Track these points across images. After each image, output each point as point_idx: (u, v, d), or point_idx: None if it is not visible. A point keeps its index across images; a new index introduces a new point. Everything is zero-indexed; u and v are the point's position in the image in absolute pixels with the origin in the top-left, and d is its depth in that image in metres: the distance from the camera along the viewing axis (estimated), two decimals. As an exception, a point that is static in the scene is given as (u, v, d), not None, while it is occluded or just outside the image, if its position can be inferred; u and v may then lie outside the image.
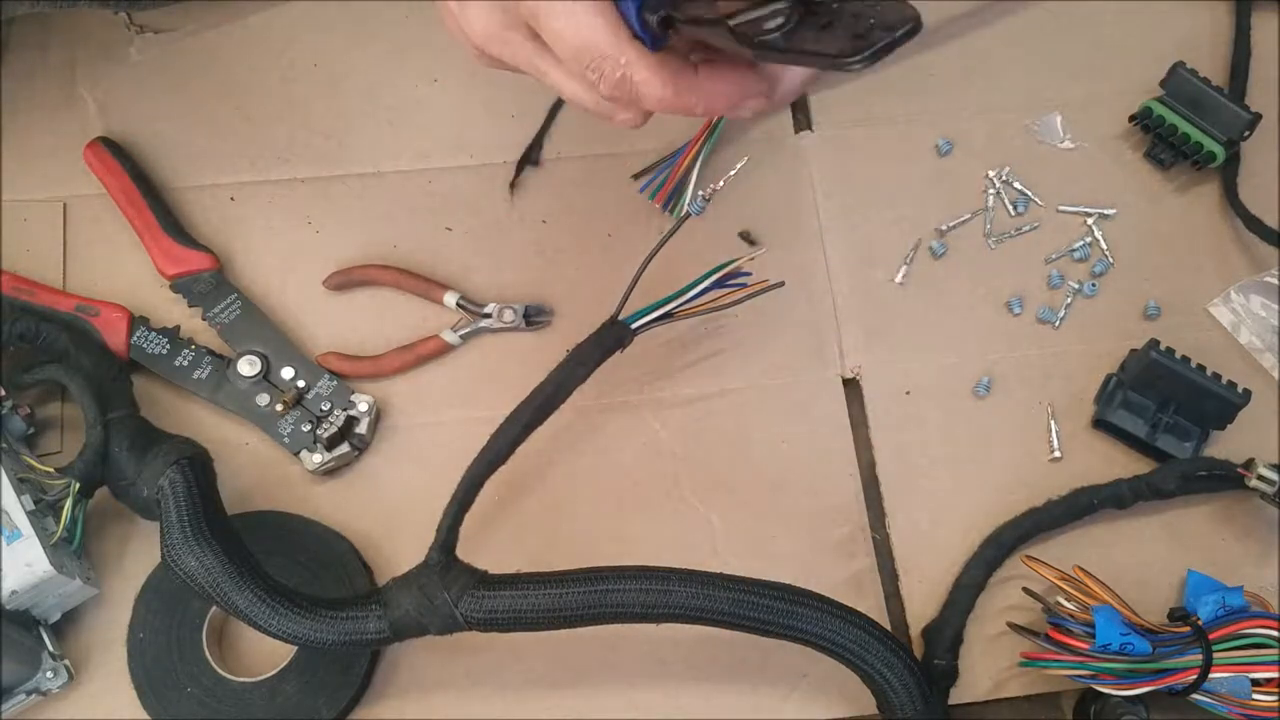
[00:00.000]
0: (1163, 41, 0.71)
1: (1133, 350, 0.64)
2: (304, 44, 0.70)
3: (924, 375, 0.64)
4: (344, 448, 0.60)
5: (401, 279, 0.64)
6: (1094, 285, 0.66)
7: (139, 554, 0.59)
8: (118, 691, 0.56)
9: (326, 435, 0.60)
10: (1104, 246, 0.67)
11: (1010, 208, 0.68)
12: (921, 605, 0.60)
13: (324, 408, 0.61)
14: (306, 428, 0.60)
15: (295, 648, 0.56)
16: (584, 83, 0.45)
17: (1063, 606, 0.55)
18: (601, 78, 0.44)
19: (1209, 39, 0.72)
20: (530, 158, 0.68)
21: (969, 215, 0.68)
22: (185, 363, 0.61)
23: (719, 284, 0.58)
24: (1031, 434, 0.63)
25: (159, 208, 0.64)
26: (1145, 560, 0.60)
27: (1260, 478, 0.58)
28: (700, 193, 0.65)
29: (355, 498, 0.61)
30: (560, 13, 0.43)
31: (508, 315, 0.64)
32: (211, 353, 0.62)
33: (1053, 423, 0.63)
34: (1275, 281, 0.66)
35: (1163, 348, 0.61)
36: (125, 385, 0.58)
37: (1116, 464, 0.62)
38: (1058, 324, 0.66)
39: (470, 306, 0.64)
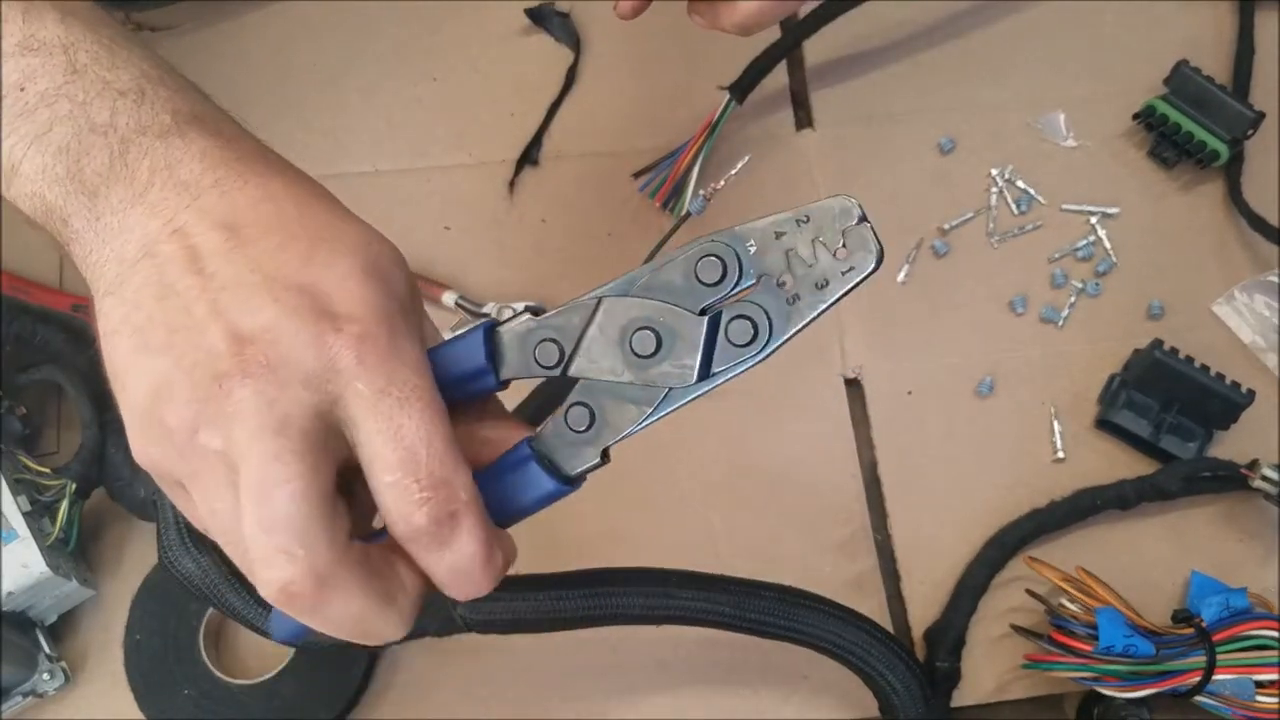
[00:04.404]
0: (1166, 40, 0.71)
1: (1136, 350, 0.63)
2: (301, 43, 0.70)
3: (926, 375, 0.64)
4: (342, 448, 0.60)
5: (400, 278, 0.64)
6: (1097, 284, 0.66)
7: (136, 555, 0.58)
8: (115, 693, 0.56)
9: (325, 435, 0.59)
10: (1107, 246, 0.67)
11: (1013, 206, 0.68)
12: (923, 607, 0.60)
13: (322, 408, 0.60)
14: (305, 428, 0.60)
15: (292, 649, 0.56)
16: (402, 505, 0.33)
17: (1066, 608, 0.54)
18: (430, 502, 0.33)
19: (1212, 37, 0.72)
20: (529, 157, 0.68)
21: (971, 214, 0.67)
22: (183, 362, 0.61)
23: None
24: (1034, 434, 0.63)
25: (156, 206, 0.64)
26: (1148, 561, 0.60)
27: (1264, 478, 0.58)
28: (701, 192, 0.65)
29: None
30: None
31: (507, 315, 0.63)
32: (209, 352, 0.61)
33: (1056, 423, 0.63)
34: (1278, 281, 0.65)
35: (1166, 348, 0.61)
36: (122, 385, 0.58)
37: (1120, 464, 0.62)
38: (1061, 323, 0.65)
39: (469, 306, 0.63)
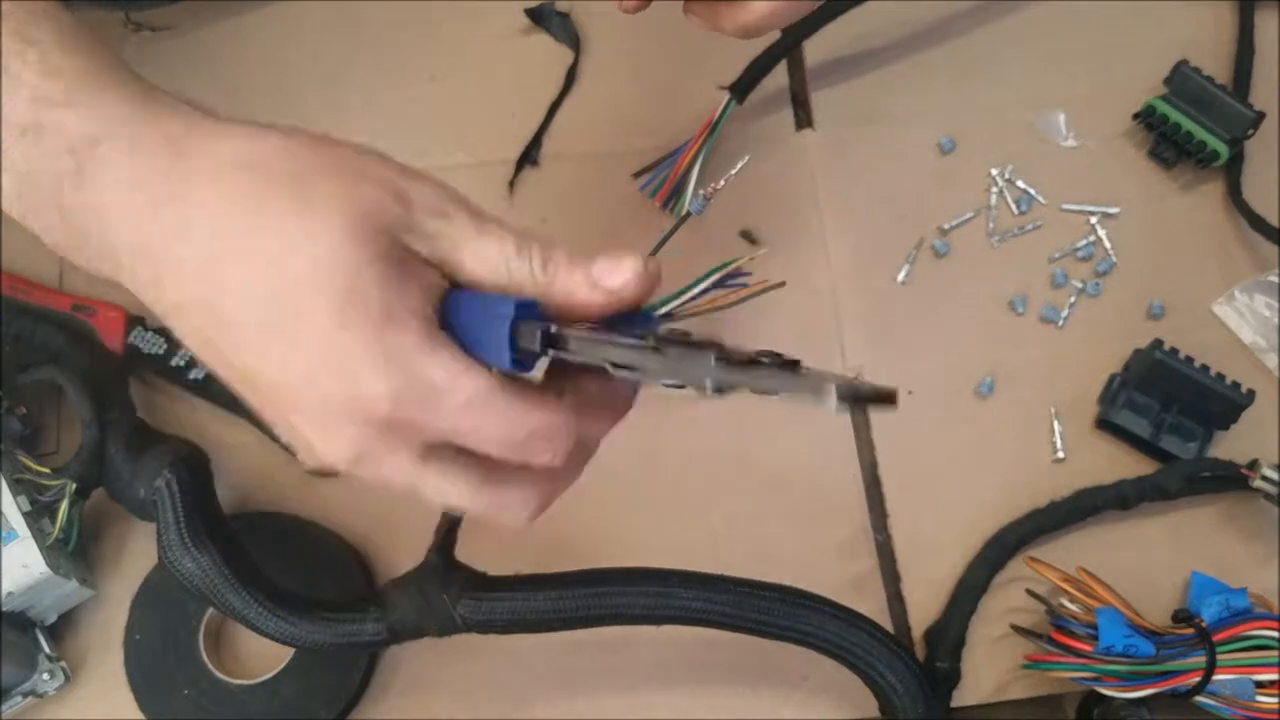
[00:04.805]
0: (1166, 39, 0.71)
1: (1136, 350, 0.63)
2: (301, 42, 0.70)
3: (926, 375, 0.64)
4: (342, 448, 0.60)
5: (400, 278, 0.64)
6: (1098, 284, 0.66)
7: (136, 555, 0.58)
8: (114, 694, 0.56)
9: (325, 435, 0.59)
10: (1107, 245, 0.67)
11: (1013, 206, 0.68)
12: (924, 607, 0.60)
13: (322, 408, 0.60)
14: (304, 428, 0.60)
15: (293, 650, 0.56)
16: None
17: (1066, 608, 0.54)
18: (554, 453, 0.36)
19: (1212, 37, 0.71)
20: (529, 157, 0.68)
21: (971, 214, 0.67)
22: (182, 362, 0.61)
23: (719, 284, 0.58)
24: (1034, 434, 0.63)
25: (156, 206, 0.64)
26: (1149, 561, 0.60)
27: (1264, 478, 0.57)
28: (701, 191, 0.65)
29: (354, 498, 0.60)
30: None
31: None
32: (209, 352, 0.61)
33: (1056, 423, 0.63)
34: (1278, 281, 0.65)
35: (1166, 348, 0.61)
36: (122, 385, 0.58)
37: (1120, 464, 0.62)
38: (1061, 323, 0.65)
39: (469, 306, 0.63)
